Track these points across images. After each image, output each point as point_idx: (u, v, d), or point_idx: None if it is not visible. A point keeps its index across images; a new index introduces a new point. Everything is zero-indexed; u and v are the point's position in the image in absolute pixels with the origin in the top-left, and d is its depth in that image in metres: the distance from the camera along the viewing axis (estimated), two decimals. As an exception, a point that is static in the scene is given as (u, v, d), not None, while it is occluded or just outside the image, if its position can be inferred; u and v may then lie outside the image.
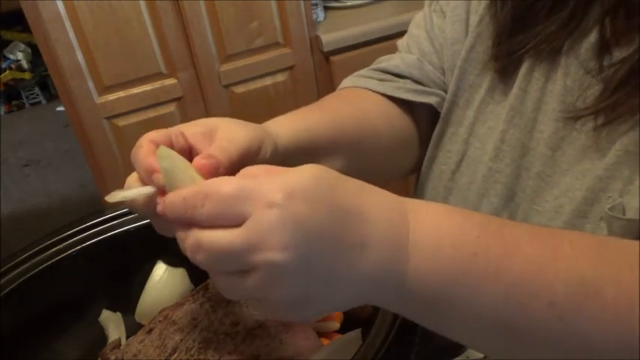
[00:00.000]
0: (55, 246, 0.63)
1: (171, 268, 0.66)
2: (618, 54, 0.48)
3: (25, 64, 3.48)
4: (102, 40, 1.38)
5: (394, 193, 0.39)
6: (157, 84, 1.48)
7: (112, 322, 0.65)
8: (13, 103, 3.57)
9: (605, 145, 0.48)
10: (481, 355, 0.55)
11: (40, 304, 0.62)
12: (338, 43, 1.56)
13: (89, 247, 0.63)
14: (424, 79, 0.64)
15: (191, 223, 0.36)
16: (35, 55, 3.43)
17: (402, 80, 0.64)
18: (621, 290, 0.34)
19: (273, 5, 1.48)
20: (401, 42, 0.69)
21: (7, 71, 3.47)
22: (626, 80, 0.46)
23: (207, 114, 1.55)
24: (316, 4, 1.63)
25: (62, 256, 0.62)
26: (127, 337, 0.63)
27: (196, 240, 0.35)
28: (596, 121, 0.48)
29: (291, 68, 1.57)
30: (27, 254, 0.61)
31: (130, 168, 0.45)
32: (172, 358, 0.52)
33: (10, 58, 3.48)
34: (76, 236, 0.64)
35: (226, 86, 1.54)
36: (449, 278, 0.36)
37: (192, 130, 0.46)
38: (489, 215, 0.40)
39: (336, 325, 0.60)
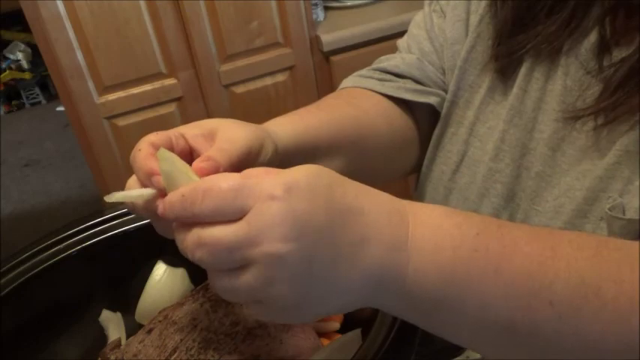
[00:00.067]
0: (55, 246, 0.63)
1: (171, 268, 0.66)
2: (618, 54, 0.48)
3: (25, 64, 3.49)
4: (102, 40, 1.38)
5: (394, 193, 0.39)
6: (157, 84, 1.48)
7: (112, 322, 0.65)
8: (13, 103, 3.58)
9: (605, 145, 0.48)
10: (480, 356, 0.55)
11: (40, 304, 0.62)
12: (338, 43, 1.56)
13: (89, 247, 0.63)
14: (424, 79, 0.64)
15: (191, 222, 0.36)
16: (35, 55, 3.43)
17: (402, 80, 0.64)
18: (621, 290, 0.34)
19: (273, 5, 1.48)
20: (401, 42, 0.69)
21: (7, 71, 3.47)
22: (626, 80, 0.46)
23: (207, 114, 1.55)
24: (316, 4, 1.63)
25: (62, 256, 0.62)
26: (127, 337, 0.63)
27: (197, 237, 0.35)
28: (596, 121, 0.48)
29: (291, 68, 1.57)
30: (27, 254, 0.61)
31: (130, 168, 0.45)
32: (172, 358, 0.52)
33: (10, 58, 3.48)
34: (76, 236, 0.63)
35: (226, 86, 1.54)
36: (449, 277, 0.36)
37: (193, 131, 0.46)
38: (488, 217, 0.40)
39: (336, 325, 0.60)
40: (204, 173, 0.40)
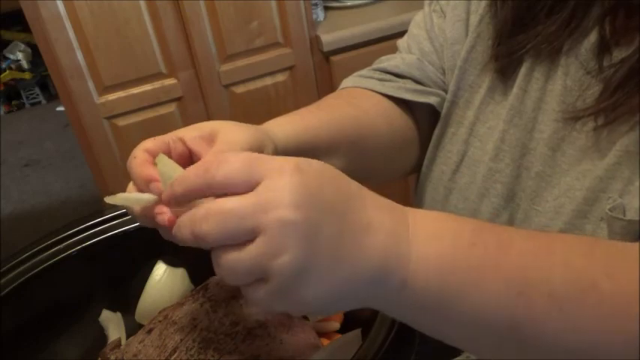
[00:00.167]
0: (55, 246, 0.63)
1: (171, 268, 0.66)
2: (618, 54, 0.48)
3: (25, 64, 3.49)
4: (102, 40, 1.38)
5: (394, 193, 0.40)
6: (157, 84, 1.48)
7: (112, 322, 0.65)
8: (13, 103, 3.58)
9: (606, 146, 0.48)
10: (481, 355, 0.55)
11: (40, 304, 0.62)
12: (338, 43, 1.56)
13: (89, 247, 0.63)
14: (424, 79, 0.64)
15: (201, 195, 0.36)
16: (35, 55, 3.43)
17: (402, 80, 0.64)
18: (617, 285, 0.34)
19: (273, 5, 1.48)
20: (401, 42, 0.69)
21: (7, 71, 3.47)
22: (626, 80, 0.46)
23: (207, 114, 1.56)
24: (316, 4, 1.63)
25: (62, 256, 0.62)
26: (127, 337, 0.63)
27: (205, 209, 0.35)
28: (596, 121, 0.48)
29: (291, 68, 1.57)
30: (27, 254, 0.61)
31: (129, 169, 0.45)
32: (172, 358, 0.52)
33: (10, 58, 3.48)
34: (76, 236, 0.64)
35: (226, 86, 1.54)
36: (450, 268, 0.36)
37: (192, 134, 0.46)
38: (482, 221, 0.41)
39: (336, 325, 0.60)
40: None
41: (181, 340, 0.53)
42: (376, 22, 1.58)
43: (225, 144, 0.45)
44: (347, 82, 0.67)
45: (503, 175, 0.56)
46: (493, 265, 0.36)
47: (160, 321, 0.57)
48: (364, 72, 0.67)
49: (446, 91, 0.63)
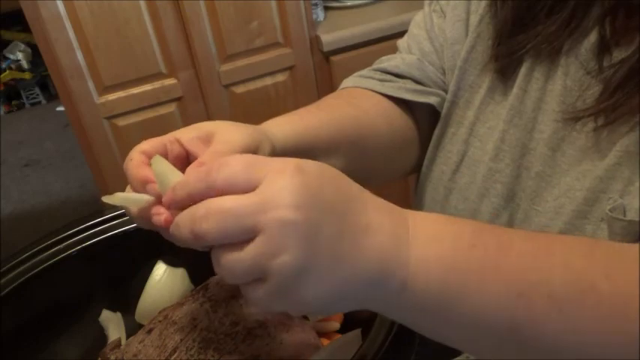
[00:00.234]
0: (55, 246, 0.63)
1: (171, 268, 0.66)
2: (618, 54, 0.48)
3: (25, 64, 3.48)
4: (102, 40, 1.38)
5: (394, 193, 0.40)
6: (157, 84, 1.48)
7: (112, 322, 0.65)
8: (13, 103, 3.58)
9: (606, 146, 0.48)
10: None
11: (40, 304, 0.62)
12: (338, 43, 1.56)
13: (89, 247, 0.63)
14: (424, 79, 0.64)
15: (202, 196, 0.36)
16: (35, 55, 3.43)
17: (402, 80, 0.64)
18: (615, 286, 0.34)
19: (273, 5, 1.48)
20: (401, 42, 0.69)
21: (7, 71, 3.47)
22: (626, 81, 0.46)
23: (207, 114, 1.56)
24: (316, 4, 1.63)
25: (62, 256, 0.62)
26: (127, 337, 0.63)
27: (205, 208, 0.35)
28: (596, 121, 0.48)
29: (291, 68, 1.57)
30: (27, 254, 0.61)
31: (129, 169, 0.45)
32: (172, 358, 0.52)
33: (10, 58, 3.48)
34: (76, 236, 0.64)
35: (226, 86, 1.54)
36: (449, 268, 0.36)
37: (190, 134, 0.46)
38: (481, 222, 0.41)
39: (336, 325, 0.60)
40: None
41: (181, 340, 0.53)
42: (376, 22, 1.58)
43: (221, 144, 0.45)
44: (347, 82, 0.67)
45: (503, 175, 0.56)
46: (493, 266, 0.36)
47: (160, 321, 0.57)
48: (364, 72, 0.67)
49: (446, 91, 0.63)
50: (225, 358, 0.51)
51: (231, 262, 0.34)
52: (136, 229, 0.64)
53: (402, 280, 0.36)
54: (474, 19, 0.60)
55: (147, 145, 0.45)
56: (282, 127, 0.52)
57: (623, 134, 0.46)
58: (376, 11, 1.66)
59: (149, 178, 0.42)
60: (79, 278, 0.64)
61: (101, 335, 0.64)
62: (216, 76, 1.51)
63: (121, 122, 1.49)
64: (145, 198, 0.42)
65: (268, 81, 1.57)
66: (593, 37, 0.49)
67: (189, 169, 0.42)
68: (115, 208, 0.64)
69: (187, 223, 0.36)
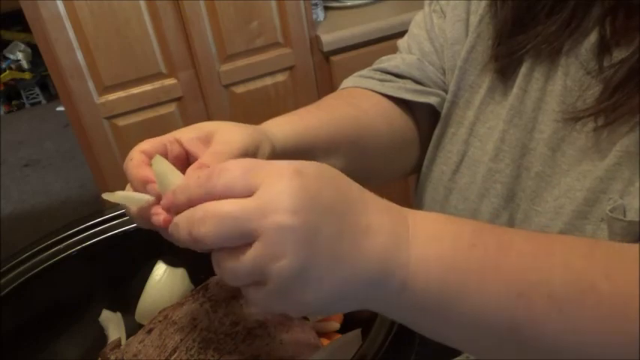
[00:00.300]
0: (55, 246, 0.63)
1: (171, 268, 0.66)
2: (618, 54, 0.48)
3: (25, 64, 3.49)
4: (102, 40, 1.38)
5: (394, 193, 0.40)
6: (157, 84, 1.48)
7: (112, 322, 0.65)
8: (13, 103, 3.58)
9: (606, 146, 0.48)
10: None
11: (40, 304, 0.62)
12: (338, 43, 1.56)
13: (89, 247, 0.63)
14: (424, 79, 0.64)
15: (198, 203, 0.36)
16: (35, 55, 3.43)
17: (402, 80, 0.64)
18: (615, 286, 0.34)
19: (273, 5, 1.48)
20: (401, 42, 0.69)
21: (7, 71, 3.47)
22: (626, 81, 0.46)
23: (207, 114, 1.56)
24: (316, 4, 1.63)
25: (62, 256, 0.62)
26: (127, 337, 0.63)
27: (203, 211, 0.35)
28: (596, 122, 0.48)
29: (291, 68, 1.57)
30: (27, 254, 0.61)
31: (129, 169, 0.45)
32: (172, 358, 0.52)
33: (10, 58, 3.48)
34: (76, 236, 0.63)
35: (226, 86, 1.54)
36: (450, 270, 0.36)
37: (190, 134, 0.46)
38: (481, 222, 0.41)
39: (336, 325, 0.60)
40: None
41: (181, 340, 0.53)
42: (376, 22, 1.58)
43: (221, 144, 0.45)
44: (347, 83, 0.67)
45: (503, 176, 0.56)
46: (493, 266, 0.36)
47: (160, 321, 0.57)
48: (364, 72, 0.67)
49: (446, 92, 0.63)
50: (225, 358, 0.51)
51: (231, 266, 0.35)
52: (136, 229, 0.64)
53: (402, 280, 0.36)
54: (474, 19, 0.60)
55: (147, 144, 0.45)
56: (282, 127, 0.52)
57: (624, 134, 0.46)
58: (376, 11, 1.66)
59: (149, 178, 0.42)
60: (79, 278, 0.64)
61: (101, 335, 0.64)
62: (216, 76, 1.51)
63: (121, 122, 1.49)
64: (145, 198, 0.42)
65: (268, 81, 1.57)
66: (593, 38, 0.49)
67: (189, 170, 0.42)
68: (115, 208, 0.64)
69: (185, 226, 0.36)
